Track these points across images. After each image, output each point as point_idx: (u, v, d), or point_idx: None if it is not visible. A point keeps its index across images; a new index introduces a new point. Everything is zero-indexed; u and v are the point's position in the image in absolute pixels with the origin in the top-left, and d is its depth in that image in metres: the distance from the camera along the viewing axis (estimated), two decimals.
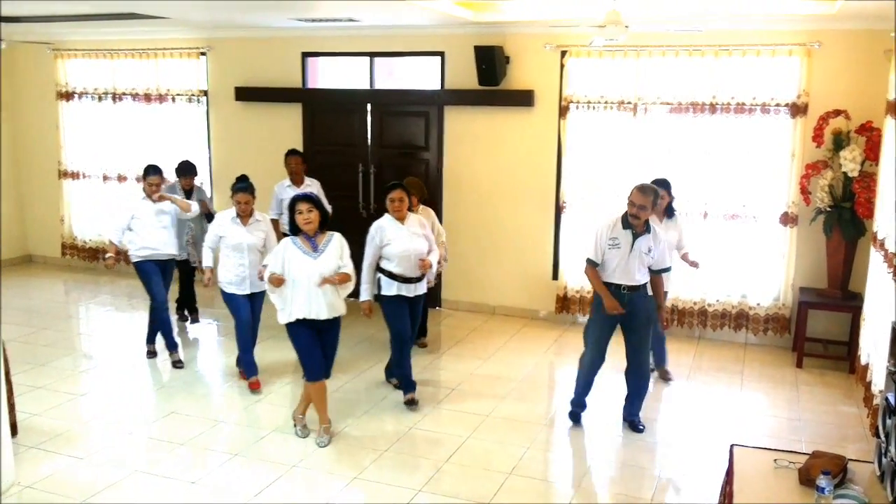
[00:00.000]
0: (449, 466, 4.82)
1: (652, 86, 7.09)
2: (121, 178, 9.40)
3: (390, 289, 5.55)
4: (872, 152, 6.21)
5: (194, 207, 6.48)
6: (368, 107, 8.22)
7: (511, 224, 7.87)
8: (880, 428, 3.24)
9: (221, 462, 4.84)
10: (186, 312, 7.67)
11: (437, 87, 7.97)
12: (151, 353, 6.67)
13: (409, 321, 5.68)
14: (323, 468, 4.79)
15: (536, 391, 6.27)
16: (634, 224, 5.07)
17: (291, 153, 7.37)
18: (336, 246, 4.98)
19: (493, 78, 7.46)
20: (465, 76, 7.71)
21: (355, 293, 5.35)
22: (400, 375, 5.80)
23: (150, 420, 5.49)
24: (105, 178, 9.50)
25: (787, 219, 6.85)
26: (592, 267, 5.19)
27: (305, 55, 8.45)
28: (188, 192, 7.17)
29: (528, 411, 5.71)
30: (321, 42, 8.28)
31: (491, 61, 7.37)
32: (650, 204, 5.03)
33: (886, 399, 3.21)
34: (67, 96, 9.51)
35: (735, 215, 7.01)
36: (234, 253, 5.80)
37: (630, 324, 5.22)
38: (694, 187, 7.04)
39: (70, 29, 8.73)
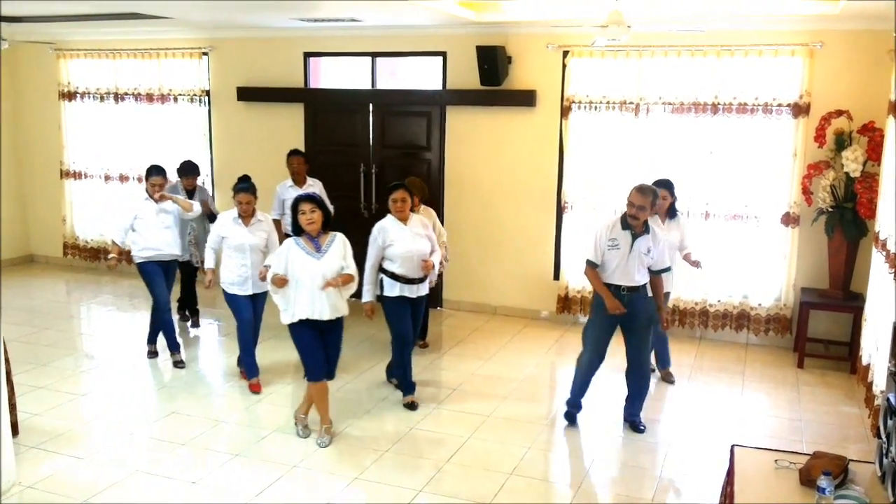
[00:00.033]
0: (450, 466, 4.82)
1: (654, 86, 7.09)
2: (123, 178, 9.41)
3: (393, 290, 5.55)
4: (874, 152, 6.21)
5: (196, 207, 6.48)
6: (370, 107, 8.23)
7: (512, 224, 7.87)
8: (881, 428, 3.23)
9: (222, 462, 4.85)
10: (187, 313, 7.67)
11: (439, 87, 7.97)
12: (152, 353, 6.68)
13: (410, 323, 5.68)
14: (324, 468, 4.79)
15: (537, 391, 6.27)
16: (633, 225, 5.07)
17: (293, 153, 7.37)
18: (339, 246, 4.98)
19: (495, 78, 7.46)
20: (467, 76, 7.71)
21: (357, 294, 5.35)
22: (400, 377, 5.80)
23: (151, 420, 5.49)
24: (107, 178, 9.51)
25: (789, 219, 6.84)
26: (592, 268, 5.19)
27: (307, 55, 8.45)
28: (190, 193, 7.17)
29: (529, 411, 5.70)
30: (323, 42, 8.28)
31: (493, 61, 7.37)
32: (649, 204, 5.03)
33: (888, 399, 3.20)
34: (69, 96, 9.53)
35: (737, 215, 7.01)
36: (236, 253, 5.80)
37: (630, 325, 5.22)
38: (696, 187, 7.04)
39: (72, 29, 8.75)
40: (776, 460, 3.40)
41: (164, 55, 8.91)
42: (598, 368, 5.38)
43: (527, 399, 5.96)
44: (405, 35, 7.87)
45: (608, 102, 7.27)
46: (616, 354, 5.47)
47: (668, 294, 6.10)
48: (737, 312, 7.16)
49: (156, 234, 6.29)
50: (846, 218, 6.37)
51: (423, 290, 5.68)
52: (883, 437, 3.20)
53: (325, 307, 4.89)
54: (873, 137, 6.26)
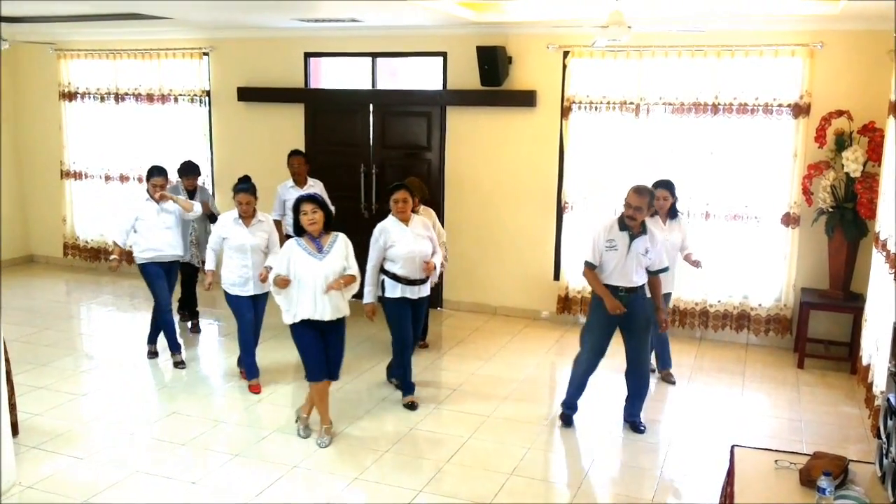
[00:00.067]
0: (450, 467, 4.82)
1: (654, 86, 7.09)
2: (123, 179, 9.41)
3: (394, 291, 5.54)
4: (875, 153, 6.21)
5: (197, 208, 6.47)
6: (371, 107, 8.23)
7: (513, 224, 7.87)
8: (881, 429, 3.23)
9: (222, 462, 4.85)
10: (187, 314, 7.65)
11: (440, 87, 7.97)
12: (152, 354, 6.68)
13: (411, 325, 5.67)
14: (324, 468, 4.79)
15: (538, 392, 6.27)
16: (631, 225, 5.08)
17: (294, 153, 7.37)
18: (341, 246, 4.99)
19: (495, 78, 7.46)
20: (467, 76, 7.71)
21: (359, 294, 5.34)
22: (400, 378, 5.80)
23: (152, 420, 5.49)
24: (107, 178, 9.52)
25: (789, 219, 6.84)
26: (591, 269, 5.19)
27: (308, 55, 8.46)
28: (191, 193, 7.15)
29: (529, 412, 5.70)
30: (323, 42, 8.28)
31: (493, 62, 7.37)
32: (646, 205, 5.04)
33: (888, 400, 3.20)
34: (70, 96, 9.53)
35: (737, 216, 7.01)
36: (237, 254, 5.79)
37: (629, 325, 5.22)
38: (696, 188, 7.03)
39: (73, 29, 8.75)
40: (776, 461, 3.40)
41: (165, 55, 8.91)
42: (596, 369, 5.38)
43: (527, 399, 5.96)
44: (405, 35, 7.87)
45: (608, 103, 7.27)
46: (615, 355, 5.47)
47: (669, 294, 6.11)
48: (737, 313, 7.16)
49: (157, 234, 6.29)
50: (846, 218, 6.37)
51: (424, 291, 5.67)
52: (883, 437, 3.20)
53: (326, 308, 4.89)
54: (873, 138, 6.26)
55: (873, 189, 6.12)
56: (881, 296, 5.48)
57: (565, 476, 4.96)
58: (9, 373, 4.79)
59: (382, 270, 5.56)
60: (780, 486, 3.21)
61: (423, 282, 5.61)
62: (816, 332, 6.78)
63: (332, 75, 8.83)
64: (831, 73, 6.61)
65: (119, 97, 9.27)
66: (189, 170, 7.22)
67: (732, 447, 3.58)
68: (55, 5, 6.94)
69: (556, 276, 7.81)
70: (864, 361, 5.87)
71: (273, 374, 6.26)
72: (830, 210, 6.47)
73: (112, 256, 6.51)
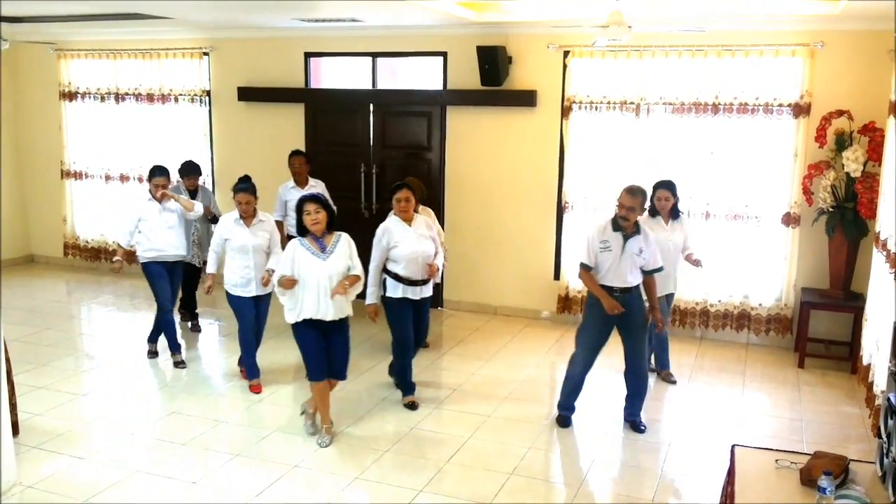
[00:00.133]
0: (450, 467, 4.82)
1: (654, 86, 7.09)
2: (123, 179, 9.41)
3: (396, 291, 5.53)
4: (875, 153, 6.21)
5: (198, 207, 6.47)
6: (371, 107, 8.23)
7: (513, 224, 7.87)
8: (882, 428, 3.23)
9: (223, 462, 4.85)
10: (187, 313, 7.65)
11: (440, 87, 7.97)
12: (153, 353, 6.67)
13: (412, 326, 5.66)
14: (324, 468, 4.79)
15: (538, 392, 6.27)
16: (624, 226, 5.09)
17: (295, 154, 7.36)
18: (344, 246, 4.98)
19: (495, 78, 7.46)
20: (467, 76, 7.71)
21: (362, 294, 5.34)
22: (400, 378, 5.79)
23: (152, 420, 5.49)
24: (108, 178, 9.52)
25: (790, 219, 6.84)
26: (586, 270, 5.20)
27: (308, 55, 8.46)
28: (192, 193, 7.14)
29: (529, 412, 5.70)
30: (324, 42, 8.28)
31: (493, 61, 7.37)
32: (639, 205, 5.06)
33: (888, 399, 3.20)
34: (70, 96, 9.53)
35: (737, 216, 7.01)
36: (239, 255, 5.78)
37: (626, 325, 5.22)
38: (696, 188, 7.03)
39: (73, 29, 8.75)
40: (777, 460, 3.40)
41: (165, 55, 8.91)
42: (591, 368, 5.38)
43: (527, 399, 5.96)
44: (406, 35, 7.87)
45: (609, 103, 7.27)
46: (614, 355, 5.47)
47: (672, 295, 6.13)
48: (737, 312, 7.16)
49: (160, 234, 6.28)
50: (847, 218, 6.37)
51: (426, 291, 5.66)
52: (883, 436, 3.20)
53: (329, 308, 4.89)
54: (874, 137, 6.26)
55: (873, 189, 6.12)
56: (881, 295, 5.48)
57: (565, 476, 4.96)
58: (9, 373, 4.79)
59: (384, 270, 5.55)
60: (780, 485, 3.21)
61: (424, 282, 5.60)
62: (817, 332, 6.78)
63: (333, 75, 8.83)
64: (831, 73, 6.61)
65: (119, 97, 9.27)
66: (190, 170, 7.21)
67: (733, 447, 3.58)
68: (55, 5, 6.94)
69: (557, 276, 7.81)
70: (865, 361, 5.87)
71: (274, 374, 6.26)
72: (831, 210, 6.47)
73: (115, 258, 6.49)
